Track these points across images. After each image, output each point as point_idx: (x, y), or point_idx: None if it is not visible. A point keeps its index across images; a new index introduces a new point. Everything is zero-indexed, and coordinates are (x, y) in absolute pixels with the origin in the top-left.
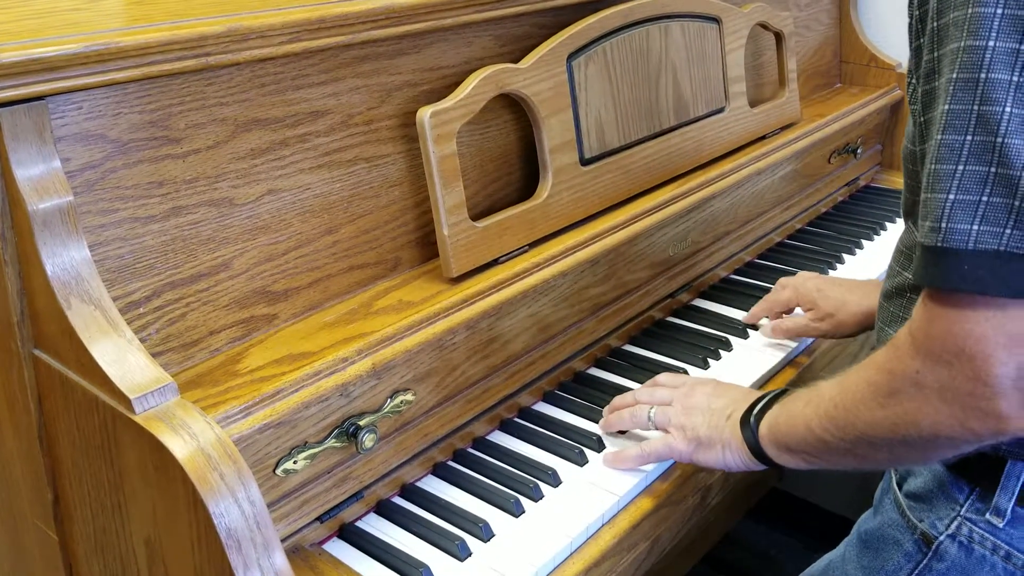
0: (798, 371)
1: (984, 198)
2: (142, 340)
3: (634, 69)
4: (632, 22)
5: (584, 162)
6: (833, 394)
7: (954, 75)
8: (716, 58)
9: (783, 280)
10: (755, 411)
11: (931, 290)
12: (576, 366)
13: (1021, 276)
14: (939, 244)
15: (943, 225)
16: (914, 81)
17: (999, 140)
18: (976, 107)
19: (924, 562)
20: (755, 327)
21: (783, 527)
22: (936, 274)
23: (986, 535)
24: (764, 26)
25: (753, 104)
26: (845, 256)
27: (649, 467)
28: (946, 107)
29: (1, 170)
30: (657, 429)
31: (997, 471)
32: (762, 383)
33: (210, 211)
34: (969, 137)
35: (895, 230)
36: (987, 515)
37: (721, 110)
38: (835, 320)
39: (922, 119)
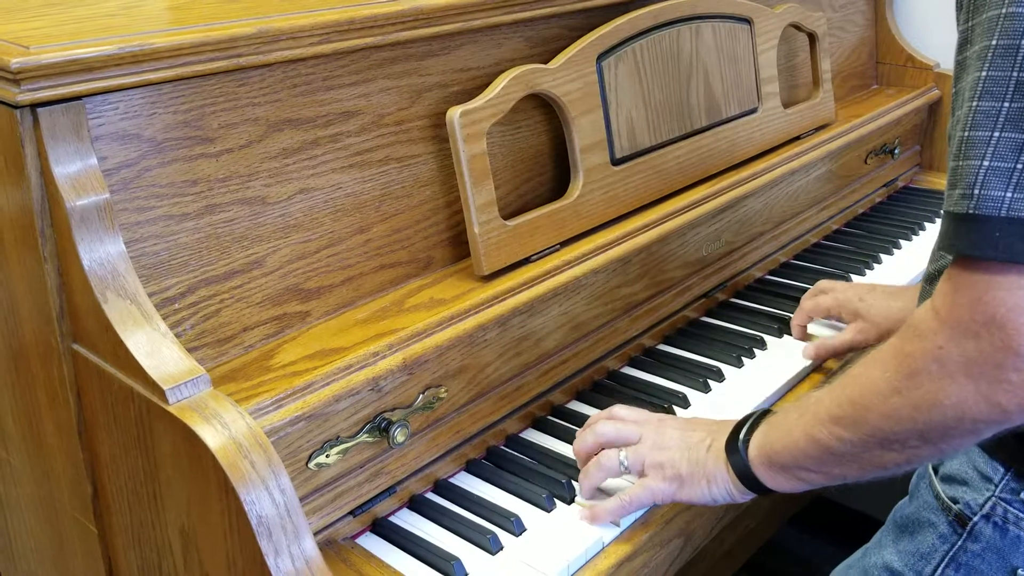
0: (834, 369)
1: (1020, 165)
2: (177, 336)
3: (664, 70)
4: (662, 23)
5: (615, 162)
6: (837, 394)
7: (992, 42)
8: (748, 59)
9: (823, 284)
10: (741, 435)
11: (959, 259)
12: (610, 365)
13: None
14: (970, 211)
15: (976, 192)
16: None
17: None
18: (1016, 73)
19: (959, 543)
20: (788, 330)
21: (825, 534)
22: (966, 242)
23: (1021, 515)
24: (797, 27)
25: (787, 105)
26: (883, 256)
27: None
28: (982, 73)
29: (40, 168)
30: (630, 473)
31: None
32: (797, 382)
33: (243, 209)
34: (1007, 104)
35: (933, 230)
36: (1022, 495)
37: (754, 110)
38: (883, 329)
39: (953, 89)
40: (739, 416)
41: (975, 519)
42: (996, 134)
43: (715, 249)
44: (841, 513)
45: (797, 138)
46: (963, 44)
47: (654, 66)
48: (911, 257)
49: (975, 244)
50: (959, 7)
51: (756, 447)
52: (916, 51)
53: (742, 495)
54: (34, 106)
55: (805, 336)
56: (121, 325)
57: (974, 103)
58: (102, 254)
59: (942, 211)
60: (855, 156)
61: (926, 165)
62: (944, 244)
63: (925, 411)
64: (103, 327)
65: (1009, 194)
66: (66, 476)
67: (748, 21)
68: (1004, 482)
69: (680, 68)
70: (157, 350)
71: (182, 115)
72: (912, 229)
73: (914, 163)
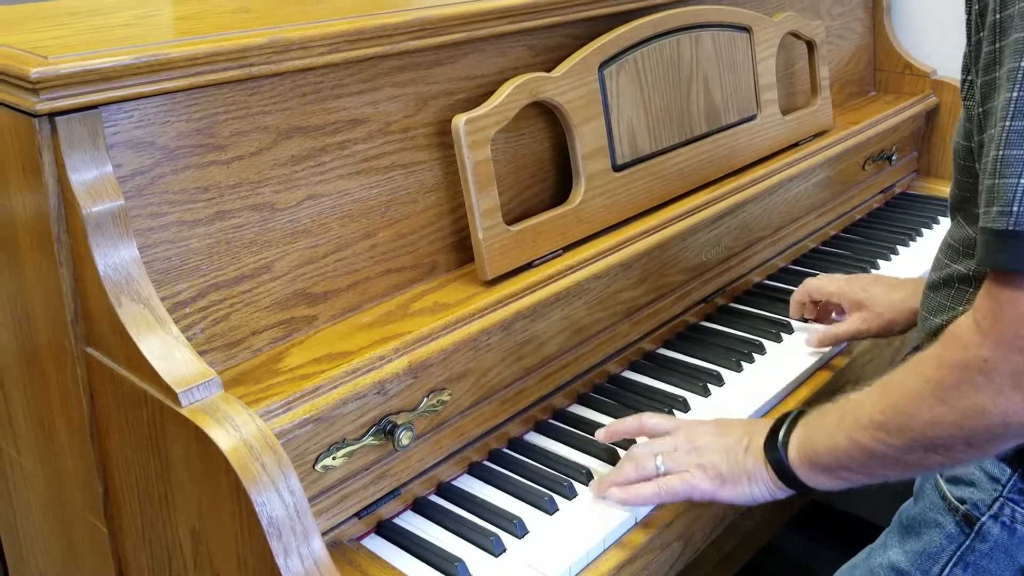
0: (833, 374)
1: None
2: (188, 339)
3: (665, 77)
4: (663, 32)
5: (617, 168)
6: (877, 399)
7: (1021, 63)
8: (747, 66)
9: (823, 277)
10: (780, 436)
11: (1000, 274)
12: (611, 369)
13: None
14: (1010, 227)
15: (1015, 208)
16: (970, 77)
17: None
18: None
19: (967, 543)
20: (789, 330)
21: (823, 538)
22: (1007, 257)
23: None
24: (796, 35)
25: (786, 112)
26: (880, 262)
27: None
28: (1013, 94)
29: (57, 175)
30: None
31: None
32: (796, 386)
33: (253, 215)
34: None
35: (931, 236)
36: None
37: (753, 117)
38: (885, 319)
39: (980, 110)
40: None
41: (983, 519)
42: None
43: (715, 254)
44: (840, 517)
45: (796, 145)
46: (989, 65)
47: (655, 74)
48: (909, 263)
49: (1016, 259)
50: (979, 27)
51: (796, 448)
52: (914, 58)
53: (783, 492)
54: (52, 115)
55: (799, 312)
56: (135, 329)
57: (1007, 123)
58: (116, 260)
59: (978, 227)
60: (853, 162)
61: (924, 171)
62: (983, 259)
63: (972, 420)
64: (117, 331)
65: None
66: (77, 477)
67: (747, 30)
68: (1012, 483)
69: (680, 76)
70: (170, 354)
71: (195, 123)
72: (910, 235)
73: (912, 169)
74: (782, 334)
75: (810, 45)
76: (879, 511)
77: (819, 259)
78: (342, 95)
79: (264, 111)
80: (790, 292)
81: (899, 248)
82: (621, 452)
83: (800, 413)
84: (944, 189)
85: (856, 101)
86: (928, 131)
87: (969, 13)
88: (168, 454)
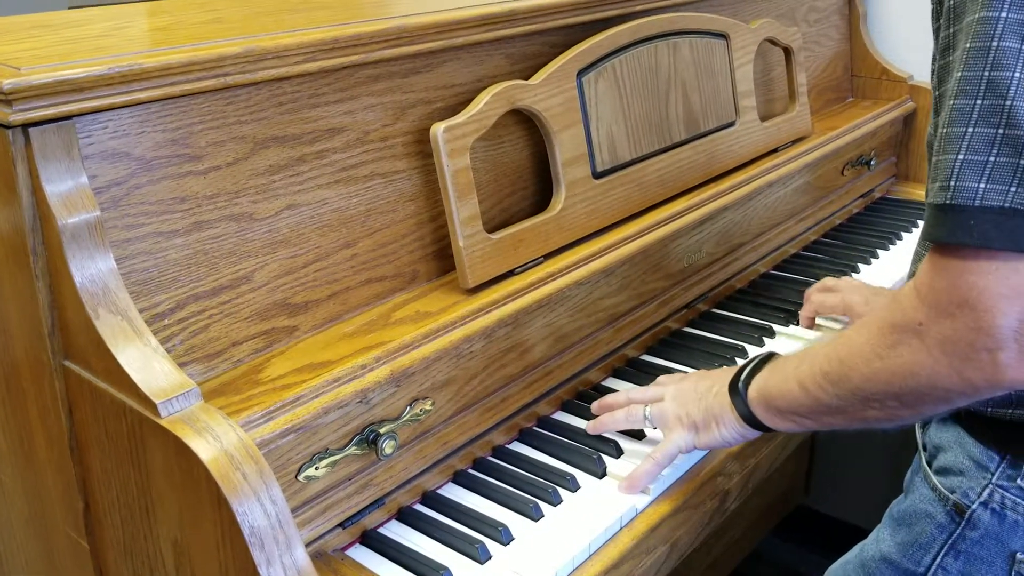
0: None
1: (991, 158)
2: (167, 351)
3: (644, 84)
4: (640, 39)
5: (596, 175)
6: (828, 351)
7: (968, 44)
8: (725, 73)
9: (829, 282)
10: (742, 378)
11: (938, 245)
12: (594, 376)
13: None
14: (947, 201)
15: (952, 183)
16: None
17: (1007, 103)
18: (987, 73)
19: (957, 531)
20: (771, 335)
21: (809, 544)
22: (943, 230)
23: (1018, 500)
24: (773, 42)
25: (764, 118)
26: (861, 266)
27: (667, 471)
28: (959, 74)
29: (32, 187)
30: (655, 428)
31: None
32: None
33: (231, 226)
34: (979, 101)
35: (911, 240)
36: (1019, 480)
37: (731, 124)
38: None
39: (937, 93)
40: None
41: (973, 507)
42: (970, 130)
43: (696, 260)
44: (826, 523)
45: (775, 151)
46: (945, 49)
47: (633, 81)
48: (889, 267)
49: (951, 232)
50: (938, 15)
51: (756, 389)
52: (890, 64)
53: (752, 433)
54: (25, 126)
55: (813, 326)
56: (112, 341)
57: (952, 101)
58: (93, 271)
59: (925, 203)
60: (832, 168)
61: (902, 176)
62: (925, 232)
63: (901, 378)
64: (95, 343)
65: (982, 185)
66: (57, 492)
67: (724, 37)
68: (1000, 469)
69: (659, 83)
70: (148, 365)
71: (170, 133)
72: (889, 239)
73: (890, 174)
74: (764, 338)
75: (787, 52)
76: (867, 516)
77: (800, 264)
78: (319, 104)
79: (241, 121)
80: (772, 297)
81: (879, 252)
82: (608, 459)
83: (769, 356)
84: (923, 193)
85: (834, 107)
86: (906, 136)
87: (932, 2)
88: (148, 466)
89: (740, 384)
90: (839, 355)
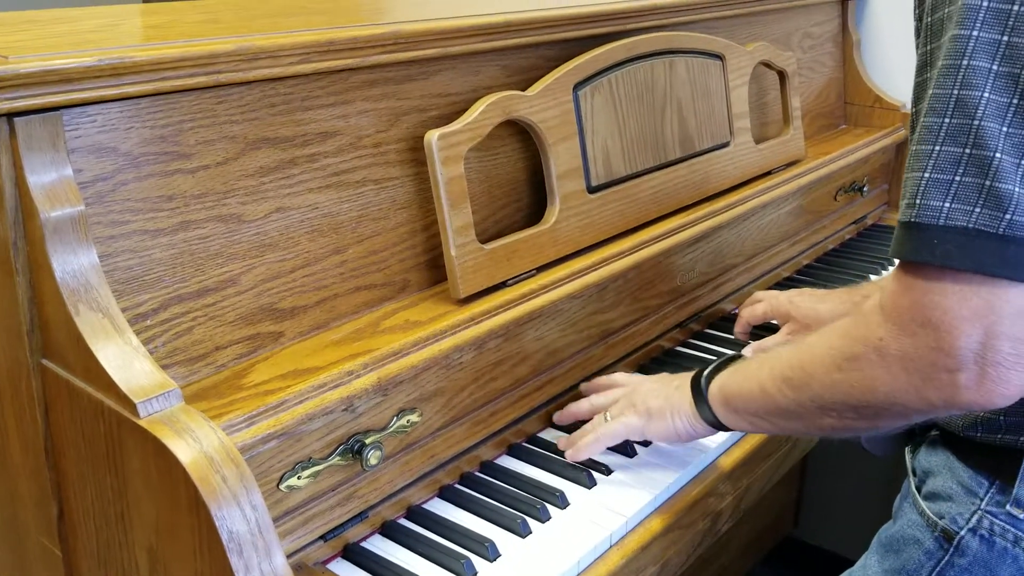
0: None
1: (957, 177)
2: (149, 352)
3: (639, 101)
4: (637, 56)
5: (591, 190)
6: (791, 356)
7: (940, 62)
8: (720, 93)
9: (757, 294)
10: (705, 374)
11: (903, 263)
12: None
13: (987, 253)
14: (912, 219)
15: (917, 201)
16: None
17: (975, 123)
18: (956, 91)
19: (946, 558)
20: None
21: (797, 573)
22: (908, 248)
23: (1007, 527)
24: (768, 65)
25: (758, 141)
26: None
27: (657, 490)
28: (930, 91)
29: (15, 179)
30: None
31: (1016, 463)
32: None
33: (218, 227)
34: (947, 119)
35: None
36: (1007, 507)
37: (726, 144)
38: (812, 329)
39: (914, 110)
40: None
41: (961, 533)
42: (937, 148)
43: (689, 279)
44: (813, 553)
45: (768, 173)
46: (922, 67)
47: (629, 97)
48: None
49: (915, 250)
50: (918, 32)
51: (717, 386)
52: (884, 92)
53: (705, 430)
54: (11, 115)
55: (746, 335)
56: (92, 338)
57: (923, 119)
58: (75, 266)
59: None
60: (825, 192)
61: (894, 203)
62: (892, 249)
63: (859, 392)
64: (74, 340)
65: (947, 204)
66: (31, 497)
67: (720, 57)
68: (989, 495)
69: (655, 100)
70: (128, 363)
71: (159, 130)
72: (881, 264)
73: (882, 201)
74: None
75: (782, 75)
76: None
77: (792, 287)
78: (312, 107)
79: (232, 120)
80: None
81: (871, 277)
82: (598, 476)
83: (736, 357)
84: None
85: (827, 133)
86: (898, 164)
87: (917, 21)
88: (125, 469)
89: (703, 380)
90: (801, 361)
